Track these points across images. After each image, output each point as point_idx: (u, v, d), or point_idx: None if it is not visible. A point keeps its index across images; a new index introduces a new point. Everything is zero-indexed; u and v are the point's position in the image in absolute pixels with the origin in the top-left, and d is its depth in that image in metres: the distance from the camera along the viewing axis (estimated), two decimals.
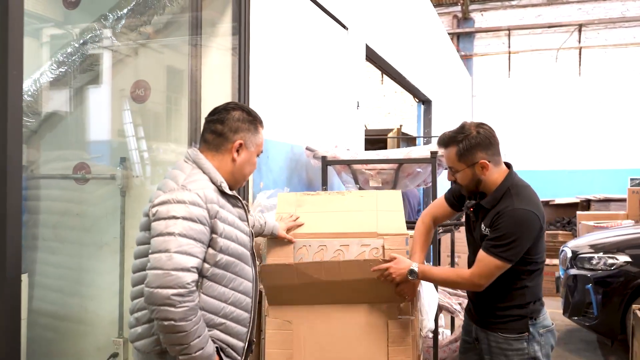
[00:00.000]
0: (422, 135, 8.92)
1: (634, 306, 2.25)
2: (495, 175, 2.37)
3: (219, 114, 2.06)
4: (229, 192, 2.02)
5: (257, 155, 2.14)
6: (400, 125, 10.97)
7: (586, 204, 10.50)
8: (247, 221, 2.13)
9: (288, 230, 2.64)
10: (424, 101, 8.80)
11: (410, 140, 10.20)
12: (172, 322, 1.78)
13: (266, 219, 2.56)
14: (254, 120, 2.09)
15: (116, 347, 3.19)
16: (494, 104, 12.80)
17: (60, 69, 3.24)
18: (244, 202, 2.13)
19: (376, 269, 2.45)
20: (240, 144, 2.05)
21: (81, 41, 3.23)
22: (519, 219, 2.25)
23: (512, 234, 2.24)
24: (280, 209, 2.78)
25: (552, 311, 6.99)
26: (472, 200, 2.45)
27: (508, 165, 2.44)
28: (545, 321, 2.43)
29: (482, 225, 2.37)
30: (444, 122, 9.76)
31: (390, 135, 10.29)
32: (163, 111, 3.55)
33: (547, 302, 7.88)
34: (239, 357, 2.05)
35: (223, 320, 1.98)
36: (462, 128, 2.38)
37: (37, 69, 3.21)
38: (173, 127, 3.52)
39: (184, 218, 1.84)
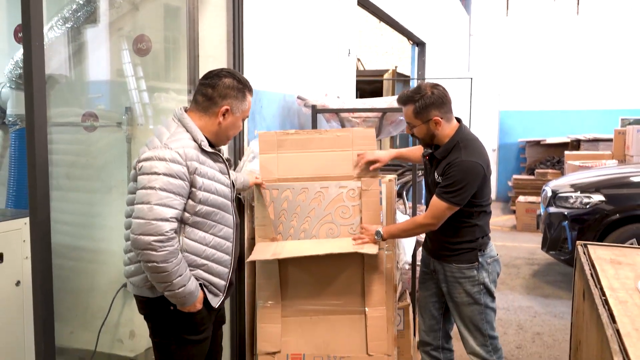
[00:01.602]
0: (416, 77, 9.08)
1: (577, 242, 2.59)
2: (447, 130, 2.72)
3: (211, 79, 2.30)
4: (209, 150, 2.27)
5: (243, 120, 2.39)
6: (396, 67, 11.09)
7: (576, 144, 10.77)
8: (228, 174, 2.39)
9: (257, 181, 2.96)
10: (418, 43, 8.92)
11: (405, 82, 10.37)
12: (155, 264, 2.09)
13: (236, 175, 2.82)
14: (242, 89, 2.33)
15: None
16: (491, 44, 12.83)
17: (67, 25, 3.46)
18: (224, 157, 2.40)
19: (355, 239, 2.88)
20: (227, 110, 2.29)
21: None
22: (466, 168, 2.62)
23: (460, 182, 2.61)
24: (262, 149, 3.02)
25: (535, 246, 7.43)
26: (428, 150, 2.83)
27: (458, 120, 2.79)
28: (492, 252, 2.83)
29: (435, 173, 2.74)
30: (440, 64, 9.89)
31: (385, 76, 10.45)
32: (164, 58, 3.75)
33: (529, 237, 8.38)
34: (221, 293, 2.37)
35: (205, 262, 2.28)
36: (419, 88, 2.72)
37: (45, 25, 3.42)
38: (172, 68, 3.72)
39: (164, 174, 2.10)
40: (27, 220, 2.67)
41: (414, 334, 3.47)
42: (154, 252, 2.07)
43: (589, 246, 2.51)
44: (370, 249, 2.77)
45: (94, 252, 3.67)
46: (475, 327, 2.81)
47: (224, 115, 2.30)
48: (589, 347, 1.96)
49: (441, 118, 2.69)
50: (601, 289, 1.92)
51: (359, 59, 10.73)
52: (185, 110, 2.34)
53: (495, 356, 2.82)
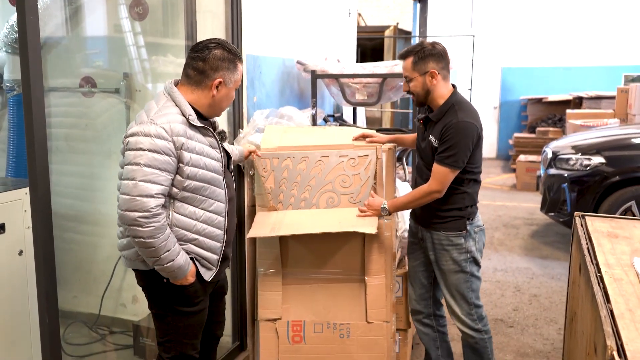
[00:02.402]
0: (417, 34, 8.95)
1: (575, 213, 2.60)
2: (443, 90, 2.76)
3: (201, 52, 2.25)
4: (197, 124, 2.24)
5: (235, 89, 2.37)
6: (397, 23, 10.92)
7: (578, 101, 10.69)
8: (219, 148, 2.36)
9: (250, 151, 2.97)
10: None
11: (406, 39, 10.22)
12: (142, 239, 2.10)
13: (233, 149, 2.83)
14: (233, 59, 2.29)
15: None
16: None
17: None
18: (216, 130, 2.39)
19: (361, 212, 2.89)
20: (220, 82, 2.26)
21: None
22: (462, 129, 2.65)
23: (458, 143, 2.64)
24: (267, 137, 3.06)
25: (535, 206, 7.47)
26: (421, 115, 2.87)
27: (453, 85, 2.82)
28: (479, 222, 2.88)
29: (431, 136, 2.76)
30: (442, 20, 9.73)
31: (386, 33, 10.31)
32: (161, 14, 3.69)
33: (529, 196, 8.40)
34: (213, 267, 2.38)
35: (196, 236, 2.29)
36: (420, 43, 2.78)
37: None
38: (170, 24, 3.67)
39: (149, 150, 2.08)
40: (27, 190, 2.69)
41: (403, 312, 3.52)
42: (139, 228, 2.08)
43: (586, 217, 2.53)
44: (369, 228, 2.77)
45: (95, 217, 3.69)
46: (460, 295, 2.86)
47: (217, 88, 2.27)
48: (583, 321, 1.99)
49: (438, 73, 2.71)
50: (597, 264, 1.94)
51: (359, 14, 10.56)
52: (177, 84, 2.31)
53: (480, 324, 2.88)
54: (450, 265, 2.83)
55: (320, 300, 3.00)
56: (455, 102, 2.73)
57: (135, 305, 3.71)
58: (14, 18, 3.41)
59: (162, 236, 2.13)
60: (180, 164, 2.18)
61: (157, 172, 2.10)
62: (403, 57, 2.78)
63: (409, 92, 2.82)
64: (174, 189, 2.20)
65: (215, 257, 2.37)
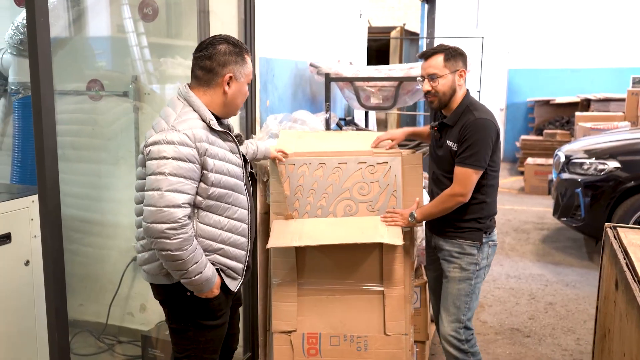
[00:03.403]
0: (425, 36, 8.85)
1: (606, 224, 2.49)
2: (462, 91, 2.72)
3: (205, 50, 2.15)
4: (218, 129, 2.16)
5: (247, 84, 2.26)
6: (404, 24, 10.81)
7: (586, 104, 10.58)
8: (239, 153, 2.27)
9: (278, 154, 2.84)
10: (428, 0, 8.65)
11: (413, 41, 10.12)
12: (169, 252, 2.00)
13: (257, 144, 2.75)
14: (240, 52, 2.18)
15: (136, 251, 3.47)
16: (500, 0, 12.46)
17: None
18: (233, 135, 2.28)
19: (385, 220, 2.81)
20: (230, 77, 2.16)
21: None
22: (481, 126, 2.60)
23: (477, 142, 2.58)
24: (281, 142, 2.96)
25: (544, 209, 7.36)
26: (435, 123, 2.82)
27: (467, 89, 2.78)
28: (495, 237, 2.81)
29: (449, 141, 2.68)
30: (450, 21, 9.62)
31: (393, 34, 10.20)
32: (173, 16, 3.60)
33: (538, 200, 8.28)
34: (239, 277, 2.30)
35: (221, 246, 2.19)
36: (444, 44, 2.74)
37: None
38: (182, 25, 3.57)
39: (174, 158, 1.99)
40: (34, 198, 2.59)
41: (430, 311, 3.42)
42: (167, 240, 1.99)
43: (619, 229, 2.42)
44: (396, 240, 2.68)
45: (102, 224, 3.60)
46: (456, 308, 2.77)
47: (228, 84, 2.17)
48: (623, 341, 1.89)
49: (465, 72, 2.71)
50: (639, 282, 1.84)
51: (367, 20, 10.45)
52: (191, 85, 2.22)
53: (467, 345, 2.79)
54: (457, 272, 2.75)
55: (337, 312, 2.90)
56: (469, 104, 2.70)
57: (143, 314, 3.62)
58: (19, 19, 3.32)
59: (190, 248, 2.04)
60: (205, 171, 2.09)
61: (182, 180, 2.01)
62: (432, 54, 2.71)
63: (428, 93, 2.72)
64: (199, 198, 2.11)
65: (240, 266, 2.29)
